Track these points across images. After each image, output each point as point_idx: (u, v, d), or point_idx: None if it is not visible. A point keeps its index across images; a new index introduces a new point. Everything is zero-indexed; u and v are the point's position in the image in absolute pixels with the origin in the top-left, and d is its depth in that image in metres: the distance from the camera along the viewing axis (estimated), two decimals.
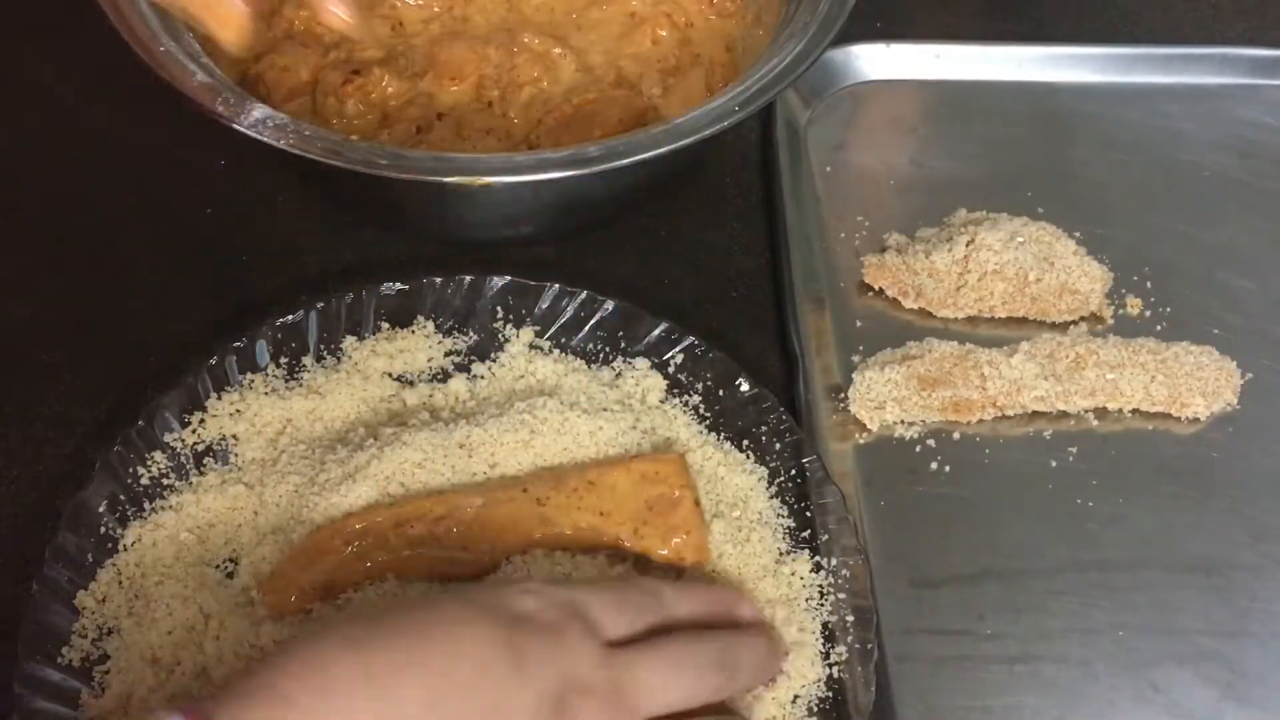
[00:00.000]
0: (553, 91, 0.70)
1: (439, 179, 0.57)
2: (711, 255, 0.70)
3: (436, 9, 0.74)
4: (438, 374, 0.61)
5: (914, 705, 0.54)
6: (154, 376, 0.61)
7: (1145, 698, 0.55)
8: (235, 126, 0.57)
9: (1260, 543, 0.61)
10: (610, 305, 0.62)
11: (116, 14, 0.61)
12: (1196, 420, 0.64)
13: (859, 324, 0.67)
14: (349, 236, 0.69)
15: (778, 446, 0.59)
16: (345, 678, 0.41)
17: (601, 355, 0.62)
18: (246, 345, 0.59)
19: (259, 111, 0.58)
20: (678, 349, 0.62)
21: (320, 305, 0.61)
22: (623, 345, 0.62)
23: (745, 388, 0.60)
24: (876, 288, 0.68)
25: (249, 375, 0.59)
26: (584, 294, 0.62)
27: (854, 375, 0.64)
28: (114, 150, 0.72)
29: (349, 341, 0.61)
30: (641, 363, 0.62)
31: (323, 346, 0.61)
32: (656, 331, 0.62)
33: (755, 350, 0.66)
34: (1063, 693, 0.55)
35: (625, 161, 0.58)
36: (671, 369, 0.61)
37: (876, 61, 0.80)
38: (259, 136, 0.57)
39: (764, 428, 0.59)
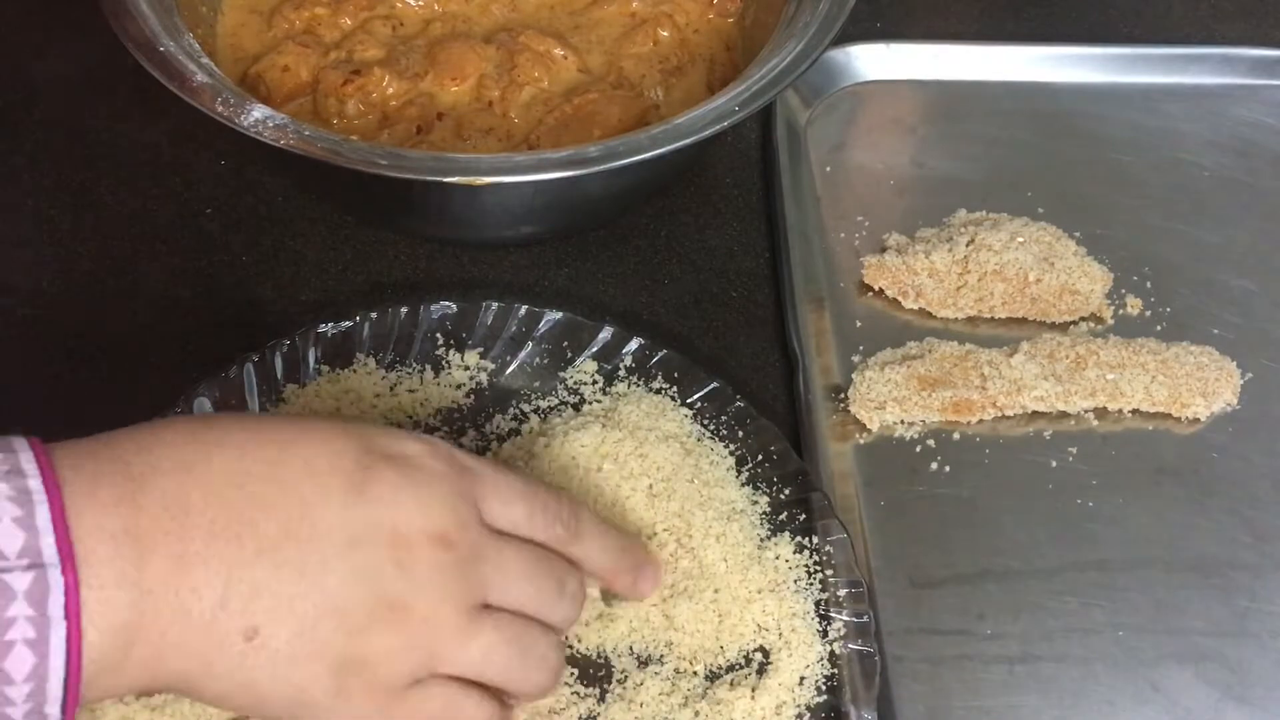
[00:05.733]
0: (553, 91, 0.70)
1: (439, 179, 0.57)
2: (711, 255, 0.70)
3: (437, 9, 0.74)
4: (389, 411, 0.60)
5: (914, 705, 0.54)
6: (154, 378, 0.61)
7: (1145, 698, 0.55)
8: (235, 126, 0.57)
9: (1260, 543, 0.61)
10: (551, 317, 0.62)
11: (116, 14, 0.61)
12: (1196, 420, 0.64)
13: (859, 324, 0.67)
14: (349, 236, 0.69)
15: (741, 434, 0.59)
16: (174, 439, 0.41)
17: (550, 367, 0.62)
18: (183, 408, 0.56)
19: (259, 111, 0.58)
20: (626, 352, 0.62)
21: (255, 359, 0.58)
22: (569, 355, 0.62)
23: (702, 380, 0.60)
24: (876, 288, 0.68)
25: None
26: (524, 309, 0.62)
27: (854, 375, 0.64)
28: (114, 150, 0.72)
29: (290, 390, 0.59)
30: (589, 365, 0.61)
31: (264, 399, 0.58)
32: (601, 336, 0.62)
33: (755, 350, 0.66)
34: (1063, 693, 0.55)
35: (625, 161, 0.58)
36: (622, 372, 0.61)
37: (876, 61, 0.80)
38: (259, 136, 0.57)
39: (724, 417, 0.60)
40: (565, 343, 0.62)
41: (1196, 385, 0.64)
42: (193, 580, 0.39)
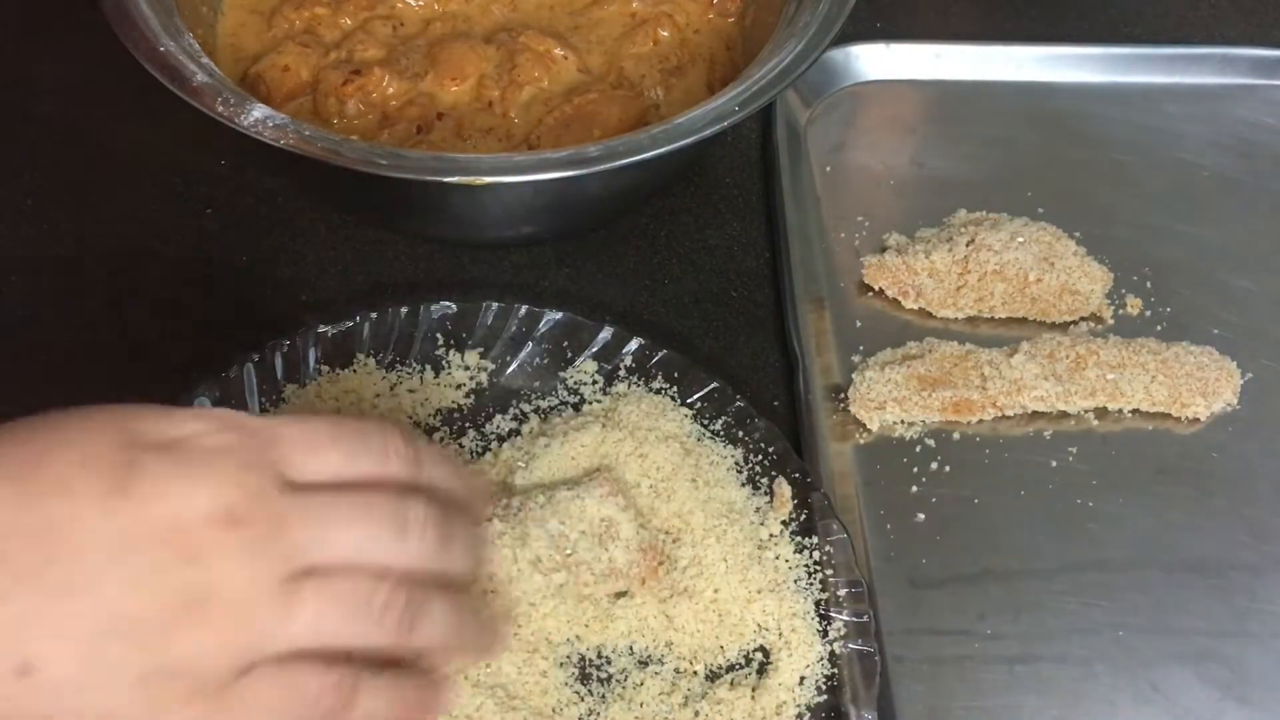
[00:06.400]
0: (553, 91, 0.70)
1: (439, 179, 0.57)
2: (711, 255, 0.70)
3: (437, 9, 0.74)
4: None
5: (914, 705, 0.54)
6: (152, 378, 0.61)
7: (1145, 698, 0.55)
8: (235, 126, 0.57)
9: (1260, 543, 0.61)
10: (551, 317, 0.62)
11: (116, 14, 0.61)
12: (1196, 420, 0.64)
13: (859, 324, 0.67)
14: (349, 236, 0.69)
15: (741, 434, 0.59)
16: None
17: (550, 367, 0.62)
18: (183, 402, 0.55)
19: (259, 111, 0.58)
20: (626, 352, 0.61)
21: (255, 359, 0.58)
22: (569, 355, 0.62)
23: (702, 380, 0.60)
24: (876, 288, 0.68)
25: None
26: (524, 309, 0.62)
27: (854, 375, 0.64)
28: (114, 150, 0.72)
29: (290, 390, 0.59)
30: (589, 365, 0.61)
31: (264, 399, 0.58)
32: (601, 336, 0.62)
33: (755, 350, 0.66)
34: (1063, 693, 0.55)
35: (625, 161, 0.58)
36: (622, 372, 0.61)
37: (876, 61, 0.80)
38: (259, 136, 0.57)
39: (724, 417, 0.60)
40: (565, 343, 0.62)
41: (1196, 385, 0.64)
42: None
